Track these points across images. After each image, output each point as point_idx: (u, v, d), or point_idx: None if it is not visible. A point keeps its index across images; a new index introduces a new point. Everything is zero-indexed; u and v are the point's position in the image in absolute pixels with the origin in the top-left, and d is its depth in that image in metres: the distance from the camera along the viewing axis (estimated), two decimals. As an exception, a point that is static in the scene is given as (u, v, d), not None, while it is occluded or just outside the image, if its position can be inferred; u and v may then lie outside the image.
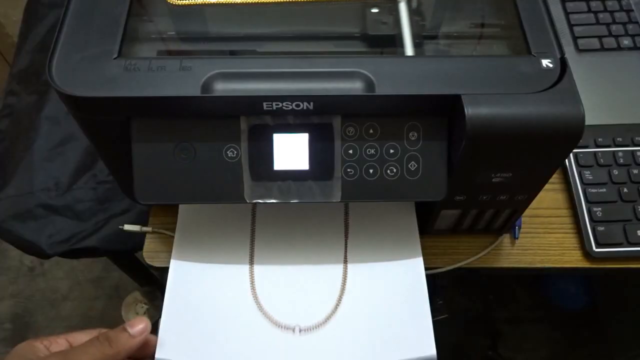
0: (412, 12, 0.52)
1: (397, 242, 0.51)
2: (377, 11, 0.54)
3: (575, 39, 0.70)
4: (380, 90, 0.40)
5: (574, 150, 0.61)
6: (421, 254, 0.50)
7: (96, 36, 0.41)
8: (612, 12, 0.71)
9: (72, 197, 0.75)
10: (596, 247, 0.56)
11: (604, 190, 0.59)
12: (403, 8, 0.51)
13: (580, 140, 0.40)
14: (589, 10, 0.71)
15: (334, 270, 0.50)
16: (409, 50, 0.49)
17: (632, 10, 0.71)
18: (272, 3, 0.51)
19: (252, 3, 0.50)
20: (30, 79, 0.84)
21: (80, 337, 0.41)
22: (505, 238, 0.57)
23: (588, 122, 0.38)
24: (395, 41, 0.51)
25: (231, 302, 0.48)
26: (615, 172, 0.59)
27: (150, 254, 0.56)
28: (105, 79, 0.39)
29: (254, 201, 0.43)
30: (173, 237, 0.52)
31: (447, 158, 0.43)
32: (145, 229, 0.56)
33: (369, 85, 0.40)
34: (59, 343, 0.40)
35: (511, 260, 0.57)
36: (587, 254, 0.56)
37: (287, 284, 0.49)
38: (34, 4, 0.88)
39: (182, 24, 0.53)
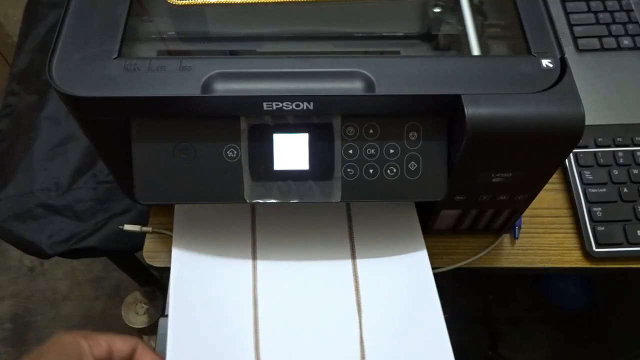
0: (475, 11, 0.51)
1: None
2: (376, 9, 0.54)
3: (575, 39, 0.70)
4: (380, 90, 0.40)
5: (574, 150, 0.61)
6: (425, 250, 0.50)
7: (96, 36, 0.41)
8: (612, 12, 0.71)
9: (72, 197, 0.75)
10: (596, 247, 0.56)
11: (604, 190, 0.59)
12: (466, 7, 0.50)
13: (580, 140, 0.40)
14: (589, 10, 0.71)
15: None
16: (475, 50, 0.48)
17: (632, 10, 0.71)
18: (272, 3, 0.51)
19: (252, 3, 0.50)
20: (30, 79, 0.84)
21: (120, 345, 0.40)
22: (505, 238, 0.57)
23: (588, 122, 0.38)
24: (393, 40, 0.51)
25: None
26: (615, 172, 0.59)
27: (150, 254, 0.56)
28: (105, 79, 0.39)
29: (254, 201, 0.43)
30: (172, 236, 0.52)
31: (447, 158, 0.43)
32: (145, 229, 0.56)
33: (369, 85, 0.40)
34: (101, 346, 0.39)
35: (511, 260, 0.57)
36: (587, 254, 0.56)
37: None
38: (34, 4, 0.88)
39: (182, 24, 0.53)
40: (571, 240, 0.57)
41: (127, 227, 0.56)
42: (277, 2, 0.51)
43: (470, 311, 1.25)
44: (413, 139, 0.43)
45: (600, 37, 0.69)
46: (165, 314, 0.46)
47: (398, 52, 0.51)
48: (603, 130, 0.62)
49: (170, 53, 0.49)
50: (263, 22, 0.53)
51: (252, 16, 0.53)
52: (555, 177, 0.61)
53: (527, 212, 0.51)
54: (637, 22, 0.70)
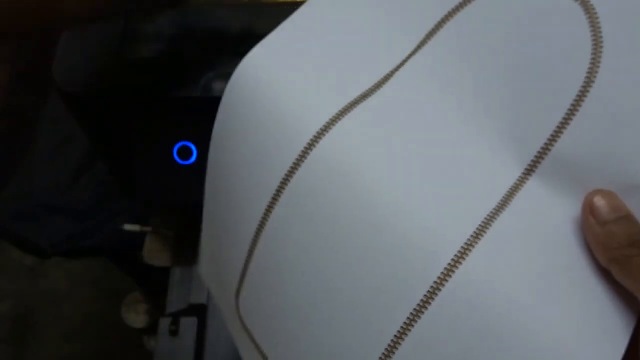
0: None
1: None
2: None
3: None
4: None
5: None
6: None
7: (97, 36, 0.41)
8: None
9: (72, 197, 0.75)
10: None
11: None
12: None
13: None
14: None
15: None
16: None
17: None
18: (272, 3, 0.51)
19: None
20: (30, 79, 0.84)
21: None
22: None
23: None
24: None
25: None
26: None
27: (150, 253, 0.56)
28: (106, 79, 0.39)
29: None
30: (173, 236, 0.52)
31: None
32: (145, 228, 0.56)
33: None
34: None
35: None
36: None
37: None
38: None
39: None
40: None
41: (127, 226, 0.56)
42: (277, 3, 0.51)
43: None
44: None
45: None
46: (166, 313, 0.46)
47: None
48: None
49: (170, 53, 0.49)
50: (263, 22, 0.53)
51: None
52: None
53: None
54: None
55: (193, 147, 0.42)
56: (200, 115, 0.42)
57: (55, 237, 0.73)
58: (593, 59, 0.23)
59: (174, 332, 0.52)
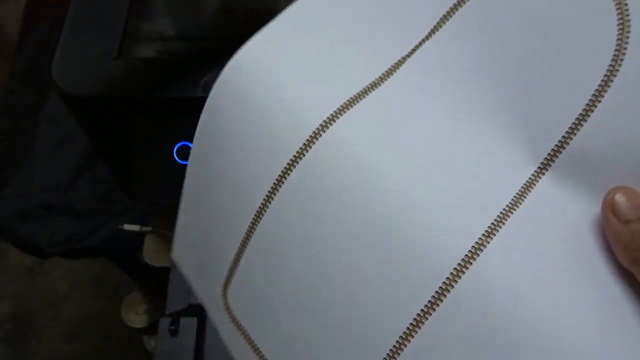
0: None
1: None
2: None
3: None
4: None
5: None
6: None
7: (97, 36, 0.41)
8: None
9: (72, 197, 0.75)
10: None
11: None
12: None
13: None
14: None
15: None
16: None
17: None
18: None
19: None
20: (30, 79, 0.84)
21: None
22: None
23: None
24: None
25: None
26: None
27: (150, 254, 0.56)
28: (106, 79, 0.39)
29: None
30: (173, 236, 0.51)
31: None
32: (145, 228, 0.56)
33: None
34: None
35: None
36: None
37: None
38: (34, 4, 0.89)
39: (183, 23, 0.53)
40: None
41: (127, 226, 0.56)
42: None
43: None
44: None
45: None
46: (166, 313, 0.46)
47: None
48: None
49: (170, 53, 0.49)
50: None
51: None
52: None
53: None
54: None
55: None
56: (200, 115, 0.42)
57: (55, 237, 0.73)
58: (618, 46, 0.22)
59: (174, 332, 0.52)
